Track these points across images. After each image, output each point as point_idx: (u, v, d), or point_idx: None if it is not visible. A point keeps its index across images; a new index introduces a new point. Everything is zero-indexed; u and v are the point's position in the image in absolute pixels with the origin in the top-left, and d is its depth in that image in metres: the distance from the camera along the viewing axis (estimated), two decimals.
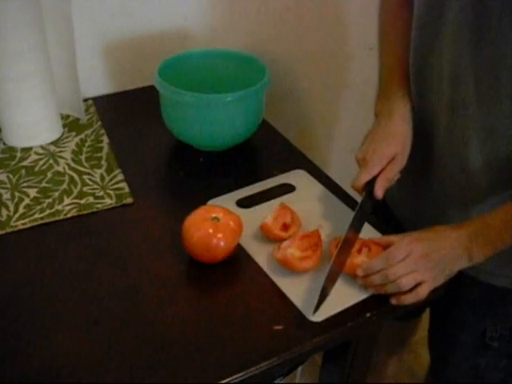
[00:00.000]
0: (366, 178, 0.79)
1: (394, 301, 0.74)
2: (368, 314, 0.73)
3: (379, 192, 0.79)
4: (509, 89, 0.73)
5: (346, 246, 0.77)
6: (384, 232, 0.85)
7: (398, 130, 0.82)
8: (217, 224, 0.78)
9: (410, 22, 0.86)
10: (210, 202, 0.90)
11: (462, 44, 0.75)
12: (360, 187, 0.80)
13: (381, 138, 0.81)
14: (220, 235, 0.77)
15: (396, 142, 0.81)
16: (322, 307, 0.73)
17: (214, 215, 0.79)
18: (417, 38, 0.83)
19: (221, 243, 0.77)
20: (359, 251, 0.79)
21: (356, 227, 0.79)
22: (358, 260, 0.77)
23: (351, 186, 0.82)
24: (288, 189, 0.95)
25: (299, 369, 1.04)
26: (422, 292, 0.73)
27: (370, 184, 0.80)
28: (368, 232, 0.84)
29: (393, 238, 0.77)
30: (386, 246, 0.77)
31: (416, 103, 0.87)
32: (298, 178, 0.97)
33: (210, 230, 0.77)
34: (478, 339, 0.97)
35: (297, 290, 0.76)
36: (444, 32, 0.77)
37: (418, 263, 0.72)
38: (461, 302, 0.74)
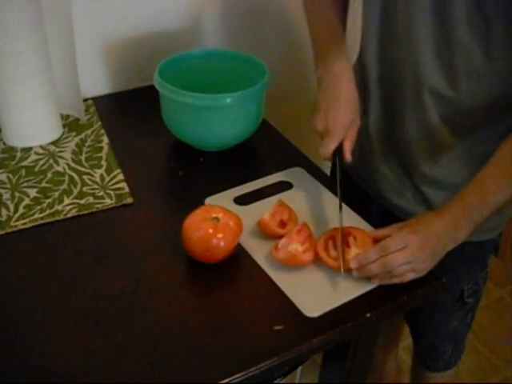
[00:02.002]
0: (334, 145, 0.84)
1: (376, 280, 0.76)
2: (368, 314, 0.73)
3: (349, 155, 0.84)
4: (463, 65, 0.79)
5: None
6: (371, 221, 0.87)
7: (349, 95, 0.85)
8: (217, 224, 0.78)
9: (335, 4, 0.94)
10: (207, 200, 0.90)
11: (420, 25, 0.80)
12: (329, 155, 0.85)
13: (337, 105, 0.84)
14: (220, 235, 0.77)
15: (351, 107, 0.85)
16: (320, 304, 0.73)
17: (213, 215, 0.79)
18: (377, 20, 0.87)
19: (221, 243, 0.77)
20: (347, 243, 0.80)
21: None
22: (351, 255, 0.78)
23: (320, 154, 0.85)
24: (285, 186, 0.95)
25: (299, 369, 1.04)
26: (406, 278, 0.75)
27: (337, 150, 0.85)
28: (358, 223, 0.86)
29: (385, 231, 0.78)
30: (376, 239, 0.78)
31: (377, 75, 0.91)
32: (295, 175, 0.97)
33: (210, 230, 0.77)
34: (457, 300, 1.02)
35: (295, 287, 0.76)
36: (403, 14, 0.82)
37: (414, 255, 0.74)
38: (440, 265, 0.76)
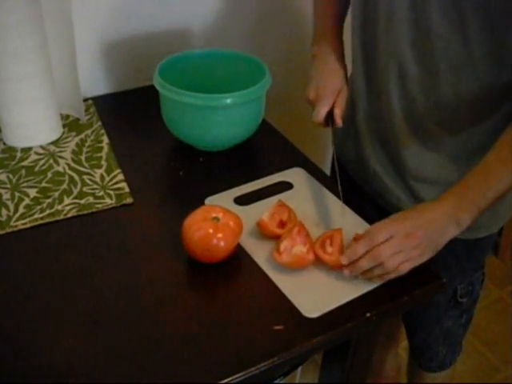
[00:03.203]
0: (325, 109, 0.90)
1: (376, 279, 0.76)
2: (368, 314, 0.73)
3: (339, 120, 0.90)
4: (443, 57, 0.81)
5: None
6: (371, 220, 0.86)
7: (338, 67, 0.95)
8: (217, 224, 0.78)
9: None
10: (207, 200, 0.90)
11: (399, 19, 0.82)
12: (322, 120, 0.91)
13: (326, 75, 0.94)
14: (220, 235, 0.77)
15: (339, 77, 0.94)
16: (319, 304, 0.73)
17: (213, 215, 0.79)
18: (359, 20, 0.92)
19: (221, 243, 0.77)
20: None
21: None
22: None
23: (312, 120, 0.92)
24: (286, 186, 0.95)
25: (299, 369, 1.04)
26: (403, 269, 0.74)
27: (328, 116, 0.92)
28: (358, 223, 0.86)
29: (380, 224, 0.78)
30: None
31: (363, 70, 0.95)
32: (295, 175, 0.98)
33: (210, 230, 0.77)
34: (450, 299, 1.03)
35: (295, 288, 0.76)
36: (383, 10, 0.85)
37: (402, 243, 0.73)
38: (433, 262, 0.76)
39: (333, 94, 0.91)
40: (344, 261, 0.75)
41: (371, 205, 1.04)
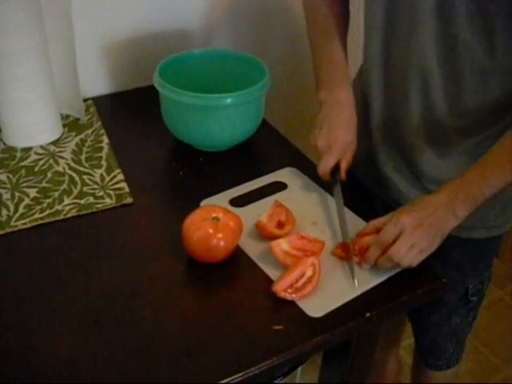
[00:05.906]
0: (333, 161, 0.88)
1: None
2: (368, 314, 0.73)
3: (344, 175, 0.89)
4: (467, 64, 0.80)
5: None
6: (366, 217, 0.86)
7: (351, 117, 0.91)
8: (217, 224, 0.78)
9: (339, 16, 0.97)
10: (203, 203, 0.90)
11: (424, 25, 0.81)
12: (328, 172, 0.89)
13: (338, 125, 0.90)
14: (220, 235, 0.77)
15: (351, 129, 0.91)
16: (322, 304, 0.74)
17: (213, 215, 0.79)
18: (380, 21, 0.88)
19: (221, 243, 0.77)
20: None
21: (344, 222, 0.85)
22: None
23: (318, 171, 0.90)
24: (280, 187, 0.95)
25: (299, 369, 1.04)
26: (417, 261, 0.76)
27: (335, 169, 0.89)
28: (353, 220, 0.87)
29: (379, 220, 0.79)
30: (376, 232, 0.79)
31: (381, 75, 0.92)
32: (288, 175, 0.97)
33: (210, 230, 0.77)
34: (461, 298, 1.03)
35: None
36: (406, 15, 0.83)
37: (414, 236, 0.74)
38: (446, 262, 0.76)
39: (343, 146, 0.89)
40: (365, 267, 0.78)
41: (379, 202, 1.03)
